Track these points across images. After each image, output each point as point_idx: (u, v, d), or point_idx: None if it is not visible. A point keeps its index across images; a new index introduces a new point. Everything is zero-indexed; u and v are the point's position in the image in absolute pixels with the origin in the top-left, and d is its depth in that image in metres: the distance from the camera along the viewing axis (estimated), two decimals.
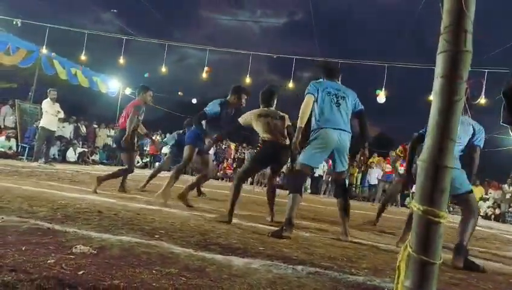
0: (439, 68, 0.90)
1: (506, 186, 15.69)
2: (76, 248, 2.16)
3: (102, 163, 15.23)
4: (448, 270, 3.07)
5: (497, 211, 15.37)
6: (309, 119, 4.01)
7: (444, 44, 0.89)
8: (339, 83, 4.22)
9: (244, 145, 19.02)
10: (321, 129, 3.93)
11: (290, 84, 14.91)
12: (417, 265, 0.88)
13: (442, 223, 0.87)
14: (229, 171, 17.77)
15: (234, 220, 4.26)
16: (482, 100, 13.08)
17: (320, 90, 4.01)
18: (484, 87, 12.67)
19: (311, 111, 4.00)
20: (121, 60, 15.21)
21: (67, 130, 15.01)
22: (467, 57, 0.88)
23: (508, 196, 15.45)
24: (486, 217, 15.19)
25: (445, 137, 0.87)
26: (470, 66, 0.89)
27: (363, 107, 4.16)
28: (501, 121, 1.49)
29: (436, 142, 0.87)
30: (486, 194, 16.70)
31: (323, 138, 3.91)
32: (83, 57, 14.44)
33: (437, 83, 0.90)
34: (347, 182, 4.32)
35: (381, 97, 14.02)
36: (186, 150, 5.50)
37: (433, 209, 0.86)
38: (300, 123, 3.90)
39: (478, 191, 16.39)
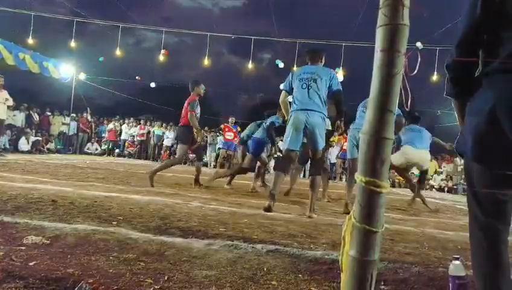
0: (378, 42, 0.92)
1: (457, 159, 16.49)
2: (27, 238, 2.09)
3: (58, 152, 14.65)
4: (401, 240, 3.22)
5: (450, 184, 16.17)
6: None
7: (382, 18, 0.91)
8: (319, 65, 4.44)
9: (206, 128, 18.83)
10: (292, 112, 4.30)
11: (250, 65, 14.85)
12: (361, 234, 0.91)
13: (383, 193, 0.90)
14: (191, 155, 17.56)
15: (196, 203, 4.25)
16: (434, 76, 13.57)
17: (294, 79, 4.36)
18: (436, 64, 13.13)
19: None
20: (73, 44, 14.54)
21: (19, 119, 14.28)
22: (404, 30, 0.90)
23: (459, 169, 16.25)
24: (440, 189, 15.95)
25: (385, 109, 0.89)
26: (407, 39, 0.91)
27: (338, 87, 4.29)
28: (444, 93, 1.55)
29: (377, 115, 0.89)
30: (440, 167, 17.50)
31: (293, 120, 4.25)
32: (30, 41, 13.67)
33: (377, 56, 0.91)
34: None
35: (339, 76, 14.26)
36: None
37: (375, 180, 0.89)
38: (283, 116, 4.63)
39: (432, 166, 17.16)
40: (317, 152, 4.28)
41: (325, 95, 4.25)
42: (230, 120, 12.98)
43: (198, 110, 6.15)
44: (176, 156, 6.61)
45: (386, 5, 0.90)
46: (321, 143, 4.25)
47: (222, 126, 13.35)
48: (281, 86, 4.45)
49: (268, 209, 4.12)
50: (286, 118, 4.40)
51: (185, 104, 6.17)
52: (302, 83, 4.24)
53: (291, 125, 4.26)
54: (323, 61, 4.51)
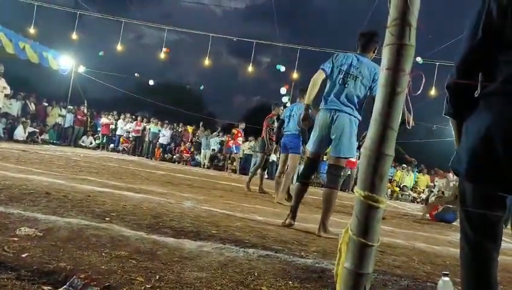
0: (384, 60, 0.94)
1: (450, 174, 16.58)
2: (20, 230, 2.09)
3: (52, 143, 14.56)
4: (391, 253, 3.24)
5: None
6: None
7: (389, 37, 0.93)
8: (369, 57, 3.75)
9: (201, 127, 18.82)
10: (320, 110, 3.78)
11: (249, 68, 14.92)
12: (357, 247, 0.93)
13: (381, 208, 0.92)
14: (186, 155, 17.55)
15: (188, 204, 4.26)
16: (432, 91, 13.73)
17: (335, 66, 3.71)
18: (434, 79, 13.27)
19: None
20: (74, 36, 14.52)
21: (15, 108, 14.19)
22: (410, 50, 0.92)
23: (451, 184, 16.34)
24: None
25: (387, 126, 0.91)
26: (412, 59, 0.94)
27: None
28: (443, 112, 1.58)
29: (378, 131, 0.91)
30: (432, 182, 17.58)
31: (318, 120, 3.75)
32: (31, 30, 13.64)
33: (382, 75, 0.94)
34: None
35: None
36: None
37: (373, 195, 0.91)
38: (306, 100, 3.80)
39: (425, 180, 17.29)
40: (339, 160, 3.64)
41: (363, 98, 3.66)
42: (241, 126, 13.32)
43: (274, 125, 7.50)
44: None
45: (393, 24, 0.92)
46: (346, 150, 3.61)
47: (235, 131, 13.52)
48: (323, 65, 3.72)
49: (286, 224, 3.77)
50: (307, 102, 3.77)
51: (265, 121, 7.74)
52: (339, 77, 3.63)
53: (316, 126, 3.75)
54: (375, 52, 3.78)
